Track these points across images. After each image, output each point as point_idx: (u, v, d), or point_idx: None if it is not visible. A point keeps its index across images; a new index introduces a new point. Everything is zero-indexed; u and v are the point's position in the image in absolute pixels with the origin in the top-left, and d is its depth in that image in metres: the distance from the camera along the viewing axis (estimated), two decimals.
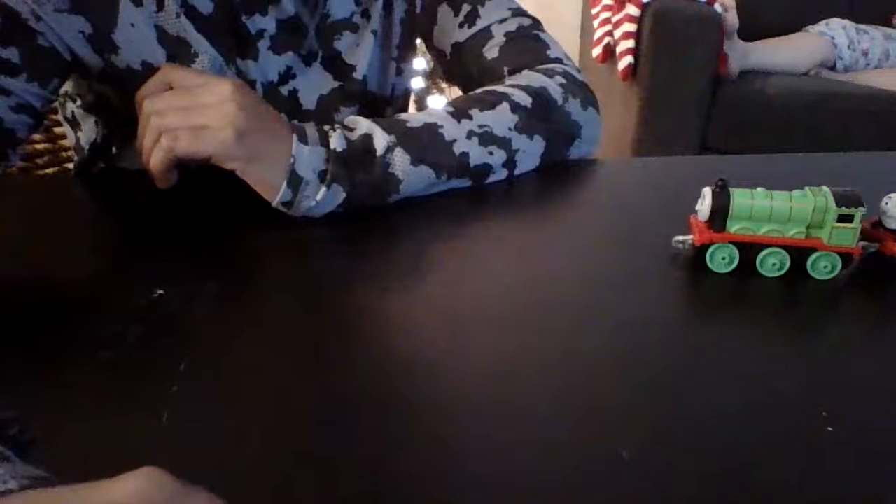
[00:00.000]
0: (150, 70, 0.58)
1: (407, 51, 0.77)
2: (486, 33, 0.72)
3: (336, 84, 0.70)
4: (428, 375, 0.40)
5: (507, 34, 0.72)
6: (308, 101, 0.69)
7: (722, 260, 0.50)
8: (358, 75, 0.71)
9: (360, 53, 0.71)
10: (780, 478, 0.33)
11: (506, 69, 0.71)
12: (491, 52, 0.72)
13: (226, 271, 0.50)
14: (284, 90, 0.67)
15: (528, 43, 0.73)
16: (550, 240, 0.57)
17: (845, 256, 0.50)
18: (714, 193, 0.49)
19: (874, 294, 0.51)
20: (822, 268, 0.50)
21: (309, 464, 0.33)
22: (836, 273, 0.50)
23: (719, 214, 0.49)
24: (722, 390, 0.39)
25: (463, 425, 0.36)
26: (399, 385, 0.39)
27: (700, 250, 0.50)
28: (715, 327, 0.47)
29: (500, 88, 0.66)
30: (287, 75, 0.67)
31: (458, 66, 0.75)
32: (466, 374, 0.40)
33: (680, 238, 0.52)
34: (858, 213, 0.49)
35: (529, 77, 0.68)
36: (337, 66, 0.70)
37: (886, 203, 0.51)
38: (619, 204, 0.66)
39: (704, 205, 0.50)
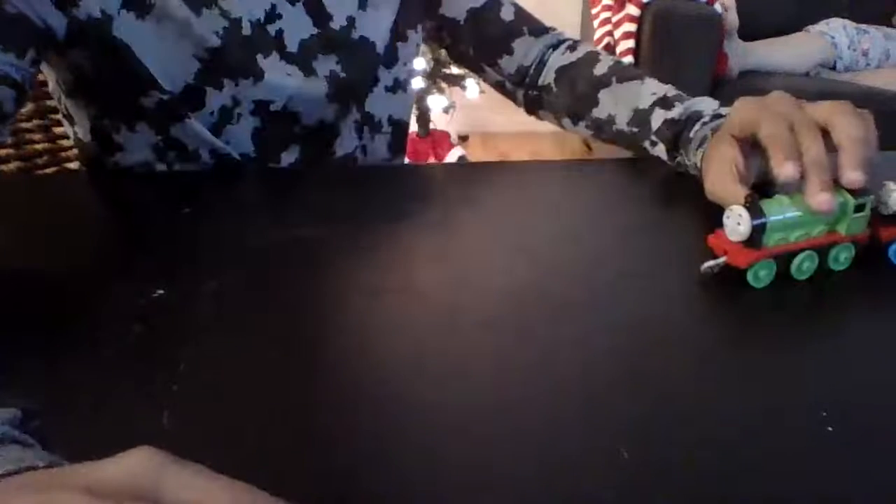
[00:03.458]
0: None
1: (411, 15, 0.79)
2: (496, 1, 0.82)
3: (315, 31, 0.71)
4: (427, 375, 0.40)
5: (513, 3, 0.83)
6: (292, 43, 0.70)
7: (764, 275, 0.49)
8: (335, 25, 0.71)
9: (339, 2, 0.72)
10: (780, 478, 0.33)
11: (525, 28, 0.83)
12: (507, 15, 0.82)
13: (226, 271, 0.50)
14: (272, 30, 0.68)
15: (529, 13, 0.85)
16: (551, 240, 0.57)
17: (856, 243, 0.51)
18: (750, 211, 0.48)
19: (872, 291, 0.51)
20: (843, 259, 0.51)
21: (308, 463, 0.33)
22: (852, 260, 0.51)
23: (759, 231, 0.48)
24: (721, 390, 0.39)
25: (462, 425, 0.36)
26: (398, 385, 0.39)
27: (739, 269, 0.49)
28: (714, 328, 0.47)
29: (631, 71, 0.76)
30: (273, 14, 0.68)
31: (473, 29, 0.82)
32: (465, 374, 0.40)
33: (710, 263, 0.50)
34: (869, 200, 0.50)
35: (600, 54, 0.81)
36: (317, 11, 0.71)
37: (886, 192, 0.51)
38: (619, 204, 0.66)
39: (743, 224, 0.48)
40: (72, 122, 0.73)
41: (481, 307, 0.47)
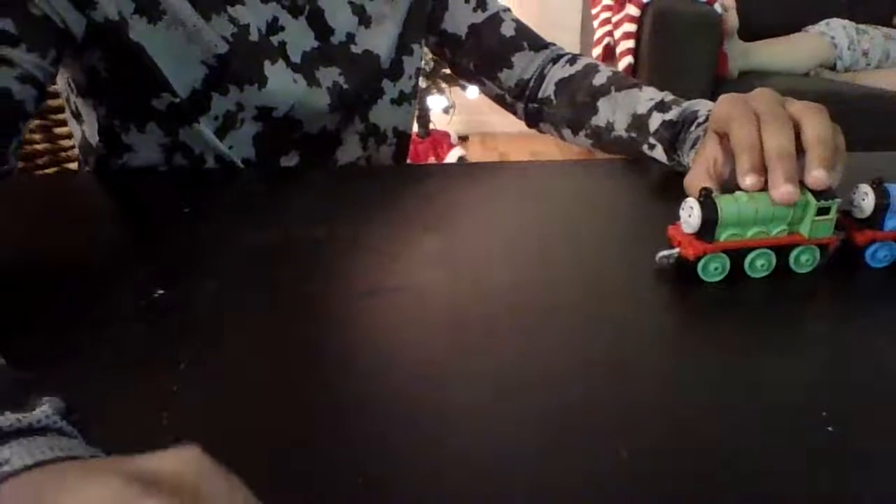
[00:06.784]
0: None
1: (415, 29, 0.79)
2: (497, 17, 0.84)
3: (316, 44, 0.72)
4: (427, 375, 0.40)
5: (513, 20, 0.85)
6: (294, 54, 0.70)
7: (714, 270, 0.50)
8: (335, 40, 0.72)
9: (340, 17, 0.72)
10: (780, 478, 0.33)
11: (525, 43, 0.84)
12: (507, 30, 0.84)
13: (226, 271, 0.50)
14: (275, 41, 0.69)
15: (530, 28, 0.87)
16: (551, 240, 0.57)
17: (822, 248, 0.51)
18: (702, 205, 0.48)
19: (859, 289, 0.51)
20: (805, 261, 0.51)
21: (309, 463, 0.33)
22: (816, 264, 0.51)
23: (709, 225, 0.49)
24: (722, 390, 0.39)
25: (461, 426, 0.36)
26: (397, 386, 0.39)
27: (688, 261, 0.50)
28: (713, 328, 0.47)
29: (629, 80, 0.76)
30: (275, 26, 0.68)
31: (475, 44, 0.83)
32: (465, 374, 0.40)
33: (665, 253, 0.51)
34: (834, 204, 0.49)
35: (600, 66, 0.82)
36: (318, 24, 0.71)
37: (860, 196, 0.51)
38: (619, 204, 0.66)
39: (693, 217, 0.49)
40: (80, 122, 0.73)
41: (481, 307, 0.47)
